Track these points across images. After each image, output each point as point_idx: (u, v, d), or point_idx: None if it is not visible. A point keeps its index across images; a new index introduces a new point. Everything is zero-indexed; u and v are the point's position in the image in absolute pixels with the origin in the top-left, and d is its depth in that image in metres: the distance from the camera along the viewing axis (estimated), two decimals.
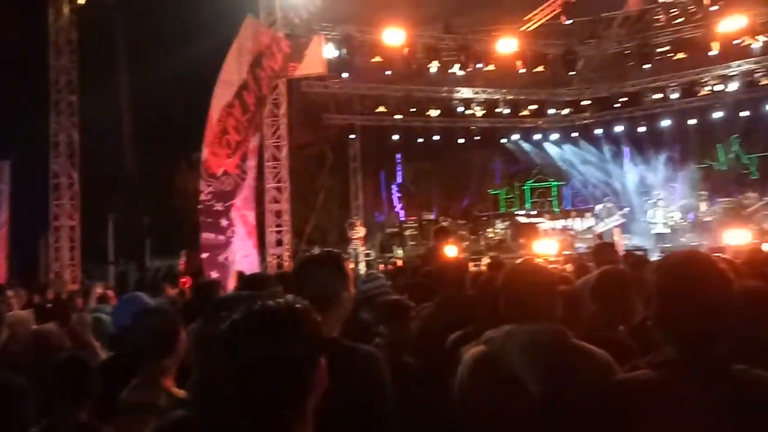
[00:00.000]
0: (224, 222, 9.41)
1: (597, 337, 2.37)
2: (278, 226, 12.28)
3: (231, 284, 7.83)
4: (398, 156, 20.84)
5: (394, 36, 13.02)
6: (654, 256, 11.53)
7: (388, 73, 14.10)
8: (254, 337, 1.06)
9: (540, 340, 1.90)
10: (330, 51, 12.74)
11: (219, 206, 9.41)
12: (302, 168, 18.79)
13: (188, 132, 12.45)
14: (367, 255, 15.74)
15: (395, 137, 18.77)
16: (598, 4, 12.74)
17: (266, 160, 12.05)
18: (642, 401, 1.48)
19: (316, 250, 2.76)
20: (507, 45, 13.48)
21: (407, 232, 17.29)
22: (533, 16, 13.76)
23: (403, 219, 19.42)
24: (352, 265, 14.04)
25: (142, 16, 17.32)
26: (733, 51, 13.88)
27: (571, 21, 12.96)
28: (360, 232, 15.03)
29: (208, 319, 1.65)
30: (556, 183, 20.57)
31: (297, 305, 1.12)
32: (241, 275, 6.58)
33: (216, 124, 9.43)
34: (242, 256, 9.55)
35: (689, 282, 1.49)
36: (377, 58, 13.27)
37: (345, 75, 15.45)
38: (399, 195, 21.17)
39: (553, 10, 13.18)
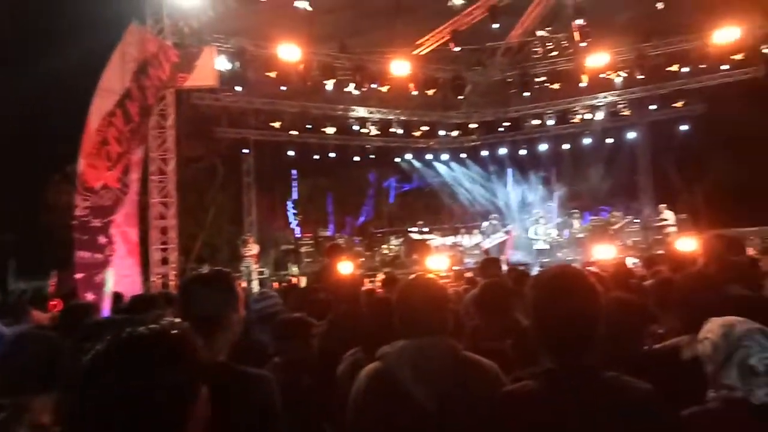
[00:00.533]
0: (102, 239, 8.70)
1: (484, 348, 2.48)
2: (164, 243, 11.57)
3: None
4: (294, 172, 20.62)
5: (289, 52, 12.94)
6: (535, 271, 12.38)
7: (284, 88, 13.93)
8: (118, 368, 0.96)
9: (431, 354, 1.94)
10: (222, 63, 12.38)
11: (97, 222, 8.69)
12: (191, 182, 17.96)
13: (62, 142, 11.41)
14: (261, 273, 15.33)
15: (291, 153, 18.61)
16: (484, 34, 13.54)
17: (151, 173, 11.34)
18: (524, 412, 1.56)
19: (205, 269, 2.62)
20: (400, 67, 13.91)
21: (303, 249, 17.07)
22: (425, 41, 14.34)
23: (298, 236, 19.20)
24: (244, 284, 13.60)
25: (13, 14, 15.74)
26: (599, 84, 15.39)
27: (459, 48, 13.63)
28: (253, 249, 14.60)
29: (74, 348, 1.49)
30: (446, 200, 21.49)
31: (170, 330, 1.03)
32: (117, 296, 6.10)
33: (95, 134, 8.74)
34: (122, 275, 8.87)
35: (561, 295, 1.59)
36: (272, 73, 13.07)
37: (238, 88, 15.11)
38: (294, 211, 20.89)
39: (443, 37, 13.82)
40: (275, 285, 13.45)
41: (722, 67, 15.05)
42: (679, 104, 17.11)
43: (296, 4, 10.70)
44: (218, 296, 1.84)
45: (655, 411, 1.52)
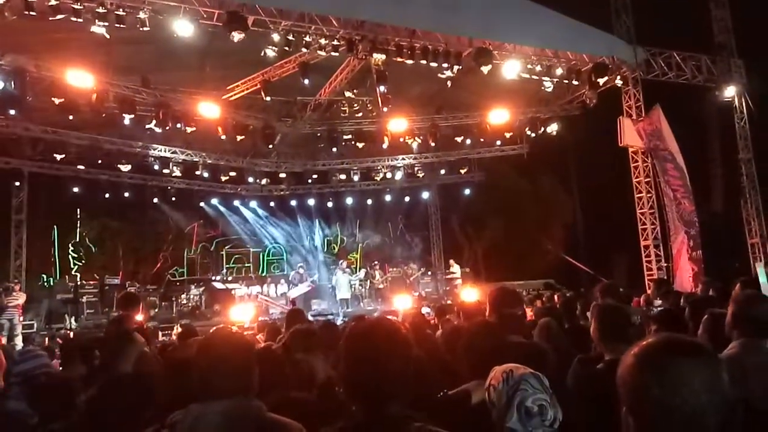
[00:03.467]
0: None
1: (291, 400, 2.41)
2: None
3: None
4: (78, 211, 18.25)
5: (80, 78, 11.66)
6: (339, 321, 12.62)
7: (71, 117, 12.43)
8: None
9: (233, 418, 1.81)
10: None
11: None
12: None
13: None
14: (29, 327, 13.04)
15: (75, 189, 16.53)
16: (295, 87, 13.91)
17: None
18: None
19: None
20: (209, 110, 13.48)
21: (84, 299, 14.98)
22: (235, 87, 14.19)
23: (79, 283, 16.83)
24: (3, 340, 11.42)
25: None
26: (399, 146, 16.79)
27: (269, 98, 13.76)
28: (19, 298, 12.41)
29: None
30: (253, 249, 20.98)
31: None
32: None
33: None
34: None
35: (375, 349, 1.61)
36: (58, 100, 11.60)
37: (12, 112, 13.11)
38: (76, 255, 18.33)
39: (255, 85, 13.84)
40: (45, 341, 11.54)
41: (497, 143, 17.63)
42: (463, 171, 19.43)
43: (93, 29, 9.76)
44: None
45: None
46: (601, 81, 13.52)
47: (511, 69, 12.79)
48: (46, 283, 16.88)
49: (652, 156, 13.64)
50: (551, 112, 16.08)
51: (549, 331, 3.87)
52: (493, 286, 3.70)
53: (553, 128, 15.86)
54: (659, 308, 5.34)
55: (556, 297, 10.17)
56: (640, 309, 6.44)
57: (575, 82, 13.86)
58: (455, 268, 17.42)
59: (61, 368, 3.65)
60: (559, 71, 13.41)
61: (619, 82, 13.94)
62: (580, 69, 13.67)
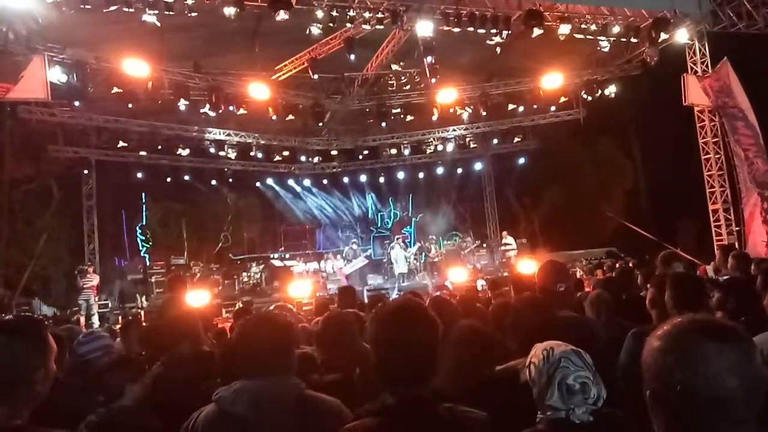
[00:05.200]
0: None
1: (329, 382, 2.44)
2: None
3: None
4: (143, 195, 19.14)
5: (136, 67, 12.07)
6: (394, 295, 12.73)
7: (130, 106, 12.93)
8: None
9: (271, 395, 1.85)
10: (56, 75, 11.19)
11: None
12: (18, 206, 15.90)
13: None
14: (104, 306, 13.92)
15: (139, 175, 17.33)
16: (342, 63, 13.88)
17: None
18: None
19: (9, 316, 2.27)
20: (259, 91, 13.67)
21: (153, 279, 15.80)
22: (283, 66, 14.30)
23: (148, 264, 17.76)
24: (83, 319, 12.26)
25: None
26: (449, 118, 16.50)
27: (317, 76, 13.81)
28: (93, 280, 13.23)
29: None
30: (309, 226, 21.40)
31: None
32: None
33: None
34: None
35: (401, 331, 1.60)
36: (116, 89, 12.08)
37: (77, 103, 13.79)
38: (143, 238, 19.30)
39: (302, 64, 13.90)
40: (120, 319, 12.30)
41: (551, 108, 17.02)
42: (517, 139, 18.93)
43: (144, 17, 10.04)
44: (20, 351, 1.58)
45: None
46: (662, 37, 12.70)
47: (564, 30, 12.21)
48: (117, 265, 17.87)
49: (720, 114, 12.76)
50: (609, 73, 15.30)
51: (600, 305, 3.74)
52: (543, 260, 3.60)
53: (611, 90, 15.11)
54: (726, 276, 5.04)
55: (617, 266, 9.84)
56: (707, 278, 6.11)
57: (634, 40, 13.09)
58: (509, 240, 17.12)
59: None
60: (616, 29, 12.70)
61: (682, 36, 13.04)
62: (639, 25, 12.89)
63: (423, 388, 1.58)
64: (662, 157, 16.20)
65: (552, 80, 15.15)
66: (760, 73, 12.95)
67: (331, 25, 11.34)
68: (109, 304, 14.39)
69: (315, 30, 11.25)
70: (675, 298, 2.68)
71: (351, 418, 1.89)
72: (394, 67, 14.31)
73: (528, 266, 12.14)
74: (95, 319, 12.65)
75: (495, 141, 19.39)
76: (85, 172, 16.61)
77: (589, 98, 15.50)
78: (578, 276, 11.98)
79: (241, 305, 9.33)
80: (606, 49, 13.32)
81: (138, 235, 19.14)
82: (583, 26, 12.45)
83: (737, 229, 12.79)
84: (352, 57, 13.02)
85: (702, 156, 13.37)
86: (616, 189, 19.56)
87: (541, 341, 1.96)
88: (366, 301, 8.58)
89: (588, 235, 19.33)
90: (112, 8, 9.85)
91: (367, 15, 11.30)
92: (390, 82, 14.84)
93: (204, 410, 1.96)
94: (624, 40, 13.05)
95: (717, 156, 13.14)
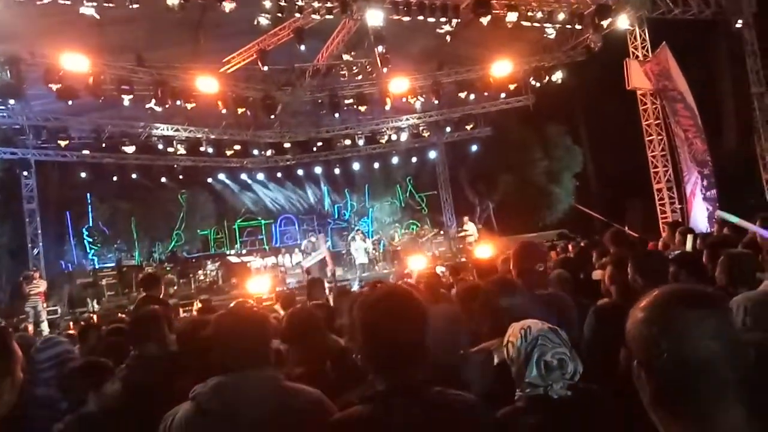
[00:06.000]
0: None
1: (298, 375, 2.42)
2: None
3: None
4: (88, 195, 18.36)
5: (75, 62, 11.51)
6: (355, 286, 12.73)
7: (71, 103, 12.34)
8: None
9: (250, 388, 1.83)
10: None
11: None
12: None
13: None
14: (53, 312, 13.33)
15: (83, 174, 16.62)
16: (292, 54, 13.66)
17: None
18: None
19: None
20: (207, 84, 13.30)
21: (104, 282, 15.23)
22: (231, 59, 13.96)
23: (97, 267, 17.10)
24: (31, 327, 11.70)
25: None
26: (402, 107, 16.54)
27: (267, 68, 13.55)
28: (40, 286, 12.61)
29: None
30: (264, 221, 21.10)
31: None
32: None
33: None
34: None
35: (389, 317, 1.60)
36: (54, 86, 11.50)
37: (12, 102, 13.07)
38: (91, 240, 18.54)
39: (251, 55, 13.61)
40: (71, 325, 11.81)
41: (501, 96, 17.32)
42: (469, 127, 19.18)
43: (82, 10, 9.58)
44: None
45: (480, 422, 1.60)
46: (605, 23, 13.10)
47: (512, 18, 12.42)
48: (65, 269, 17.13)
49: (661, 97, 13.33)
50: (555, 59, 15.68)
51: (562, 283, 3.85)
52: (513, 242, 3.67)
53: (558, 76, 15.50)
54: (677, 252, 5.29)
55: (570, 247, 10.14)
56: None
57: (578, 27, 13.47)
58: (469, 227, 17.38)
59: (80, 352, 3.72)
60: (561, 16, 13.02)
61: (623, 23, 13.50)
62: (583, 12, 13.25)
63: (413, 373, 1.59)
64: (609, 140, 16.79)
65: (501, 68, 15.40)
66: (696, 56, 13.59)
67: (279, 15, 11.14)
68: (59, 310, 13.78)
69: (263, 20, 11.04)
70: (641, 274, 2.79)
71: (332, 408, 1.88)
72: (345, 57, 14.21)
73: (485, 251, 12.37)
74: (44, 326, 12.09)
75: (448, 129, 19.59)
76: (25, 173, 15.76)
77: (538, 85, 15.86)
78: None
79: (200, 304, 9.14)
80: (552, 36, 13.64)
81: (85, 237, 18.39)
82: (529, 14, 12.70)
83: (680, 206, 13.43)
84: (302, 48, 12.84)
85: (645, 138, 13.94)
86: (565, 173, 20.14)
87: (512, 322, 2.00)
88: (328, 293, 8.55)
89: (540, 218, 19.88)
90: (46, 0, 9.35)
91: (316, 5, 11.17)
92: (342, 72, 14.72)
93: (180, 409, 1.91)
94: (569, 26, 13.40)
95: (660, 137, 13.72)
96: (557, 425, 1.73)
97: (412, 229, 19.30)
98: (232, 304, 2.23)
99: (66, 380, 2.57)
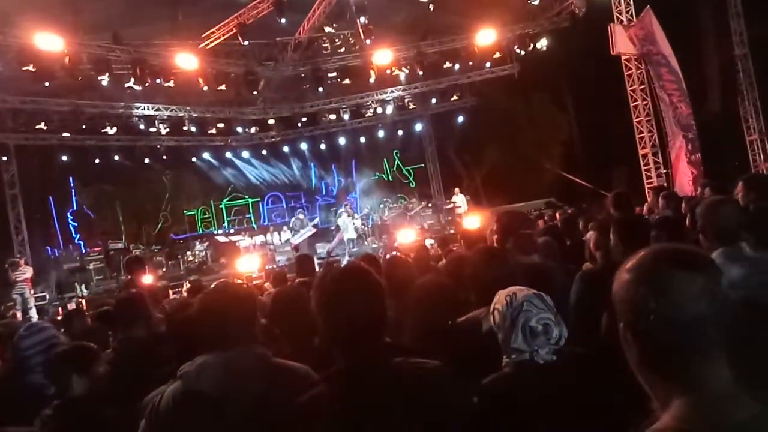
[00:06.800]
0: None
1: (293, 351, 2.41)
2: None
3: None
4: (71, 179, 18.08)
5: (49, 42, 11.20)
6: (345, 261, 12.75)
7: (47, 84, 12.04)
8: None
9: (238, 366, 1.82)
10: None
11: None
12: None
13: None
14: (41, 298, 13.25)
15: (64, 158, 16.34)
16: (273, 28, 13.39)
17: None
18: (321, 417, 1.54)
19: None
20: (187, 61, 13.02)
21: (91, 266, 15.11)
22: (210, 34, 13.66)
23: (84, 251, 16.94)
24: (19, 314, 11.63)
25: None
26: (386, 79, 16.35)
27: (247, 42, 13.28)
28: (26, 272, 12.49)
29: None
30: (251, 199, 20.96)
31: None
32: None
33: None
34: None
35: (343, 297, 1.60)
36: (29, 67, 11.20)
37: None
38: (76, 224, 18.33)
39: (230, 30, 13.32)
40: (60, 310, 11.75)
41: (486, 65, 17.16)
42: (455, 98, 19.03)
43: None
44: None
45: (443, 385, 1.60)
46: None
47: None
48: (51, 255, 16.96)
49: (646, 62, 13.26)
50: (539, 26, 15.53)
51: (548, 250, 3.87)
52: (498, 212, 3.67)
53: (542, 44, 15.38)
54: (658, 215, 5.32)
55: (557, 215, 10.18)
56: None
57: None
58: (458, 198, 17.38)
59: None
60: None
61: None
62: None
63: (373, 347, 1.59)
64: (594, 106, 16.73)
65: (485, 36, 15.23)
66: (680, 19, 13.49)
67: None
68: (47, 296, 13.69)
69: None
70: (622, 238, 2.79)
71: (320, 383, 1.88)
72: (327, 29, 13.96)
73: (473, 222, 12.42)
74: (33, 313, 12.02)
75: (433, 101, 19.44)
76: (4, 158, 15.46)
77: (522, 53, 15.73)
78: None
79: (189, 285, 9.11)
80: (536, 2, 13.47)
81: (70, 221, 18.17)
82: None
83: (665, 171, 13.51)
84: (283, 21, 12.58)
85: (630, 103, 13.92)
86: (552, 141, 20.11)
87: (499, 289, 2.00)
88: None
89: (528, 188, 19.88)
90: None
91: None
92: (324, 45, 14.49)
93: (168, 389, 1.90)
94: None
95: (644, 102, 13.71)
96: (544, 390, 1.74)
97: (401, 202, 19.26)
98: (214, 283, 2.19)
99: (52, 366, 2.54)
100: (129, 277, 6.20)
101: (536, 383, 1.74)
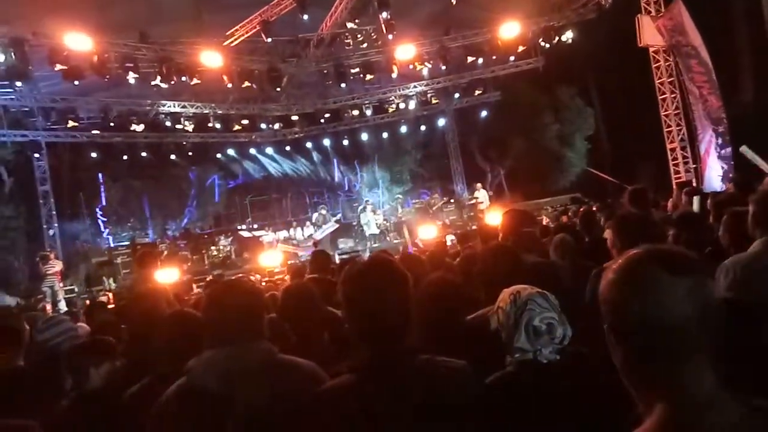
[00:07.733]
0: None
1: (301, 347, 2.43)
2: None
3: None
4: (100, 175, 18.52)
5: (78, 42, 11.47)
6: (366, 257, 12.78)
7: (77, 83, 12.34)
8: None
9: (243, 362, 1.83)
10: None
11: None
12: None
13: None
14: (70, 291, 13.62)
15: (94, 155, 16.74)
16: (296, 25, 13.47)
17: None
18: (342, 407, 1.54)
19: None
20: (211, 59, 13.20)
21: (119, 260, 15.45)
22: (234, 31, 13.81)
23: (113, 245, 17.33)
24: (49, 306, 11.98)
25: None
26: (409, 74, 16.29)
27: (271, 39, 13.39)
28: (56, 265, 12.85)
29: None
30: (274, 195, 21.15)
31: None
32: None
33: None
34: None
35: (371, 289, 1.60)
36: (60, 66, 11.49)
37: (19, 84, 13.10)
38: (105, 219, 18.77)
39: (254, 27, 13.44)
40: (87, 303, 12.06)
41: (510, 59, 16.96)
42: (478, 92, 18.85)
43: None
44: None
45: (467, 387, 1.59)
46: None
47: None
48: (81, 249, 17.39)
49: (675, 53, 12.94)
50: (565, 18, 15.26)
51: (563, 247, 3.81)
52: (525, 208, 3.64)
53: (568, 36, 15.11)
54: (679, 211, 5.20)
55: (579, 211, 10.02)
56: (665, 213, 6.29)
57: None
58: (480, 193, 17.24)
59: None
60: None
61: None
62: None
63: (398, 341, 1.59)
64: (621, 100, 16.39)
65: (509, 29, 15.04)
66: (711, 8, 13.09)
67: None
68: (75, 289, 14.07)
69: None
70: (618, 236, 2.75)
71: (325, 379, 1.89)
72: (350, 25, 13.98)
73: (494, 217, 12.29)
74: (62, 305, 12.36)
75: (457, 95, 19.29)
76: (36, 155, 15.91)
77: (547, 46, 15.49)
78: (544, 223, 12.19)
79: (210, 279, 9.24)
80: None
81: (99, 216, 18.61)
82: None
83: (694, 166, 13.18)
84: (306, 17, 12.64)
85: (658, 96, 13.60)
86: (577, 135, 19.78)
87: (507, 287, 1.98)
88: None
89: (552, 183, 19.63)
90: None
91: None
92: (346, 41, 14.51)
93: (175, 385, 1.93)
94: None
95: (673, 95, 13.39)
96: (547, 389, 1.71)
97: (423, 198, 19.20)
98: (223, 280, 2.22)
99: (70, 358, 2.61)
100: (139, 272, 5.81)
101: (539, 383, 1.72)
